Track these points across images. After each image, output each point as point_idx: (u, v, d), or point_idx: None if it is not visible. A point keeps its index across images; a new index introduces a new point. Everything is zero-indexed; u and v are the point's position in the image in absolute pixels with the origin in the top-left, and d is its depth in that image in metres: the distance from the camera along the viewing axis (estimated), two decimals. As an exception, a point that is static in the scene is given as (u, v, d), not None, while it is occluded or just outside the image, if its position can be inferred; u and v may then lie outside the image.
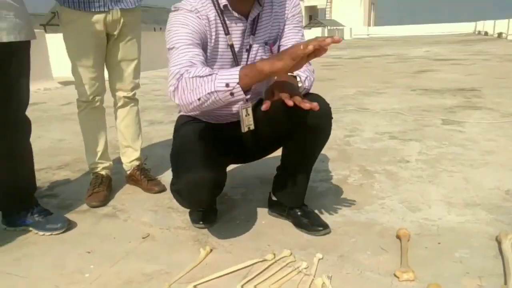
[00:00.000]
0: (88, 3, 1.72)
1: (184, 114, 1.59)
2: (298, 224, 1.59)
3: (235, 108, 1.51)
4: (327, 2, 38.01)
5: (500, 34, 18.71)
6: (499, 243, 1.40)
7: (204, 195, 1.37)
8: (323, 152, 1.62)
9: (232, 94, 1.11)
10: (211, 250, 1.46)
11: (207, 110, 1.27)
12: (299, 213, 1.61)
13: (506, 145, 2.56)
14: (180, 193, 1.39)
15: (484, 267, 1.30)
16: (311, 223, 1.57)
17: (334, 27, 27.55)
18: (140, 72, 2.00)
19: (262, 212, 1.75)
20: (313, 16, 37.75)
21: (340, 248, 1.45)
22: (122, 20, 1.81)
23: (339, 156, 2.50)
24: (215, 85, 1.12)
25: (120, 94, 1.97)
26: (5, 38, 1.41)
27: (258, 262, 1.37)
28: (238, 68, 1.12)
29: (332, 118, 1.46)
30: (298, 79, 1.36)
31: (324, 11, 38.49)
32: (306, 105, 1.14)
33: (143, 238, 1.59)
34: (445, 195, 1.86)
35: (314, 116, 1.35)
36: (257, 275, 1.30)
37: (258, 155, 1.72)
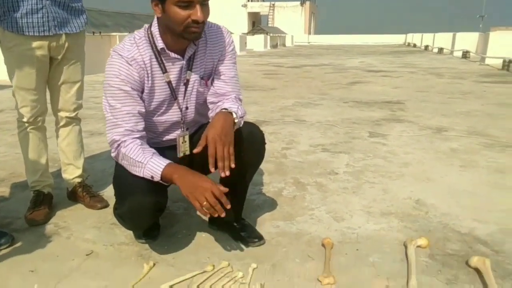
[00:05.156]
0: (32, 28, 1.73)
1: None
2: (236, 237, 1.74)
3: (173, 135, 1.64)
4: (269, 10, 38.90)
5: (426, 47, 20.33)
6: (406, 248, 1.65)
7: (146, 219, 1.50)
8: (261, 165, 1.79)
9: (152, 178, 1.40)
10: (154, 265, 1.56)
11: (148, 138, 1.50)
12: (237, 226, 1.76)
13: (420, 158, 2.90)
14: (123, 217, 1.50)
15: (392, 270, 1.53)
16: (247, 236, 1.72)
17: (277, 34, 28.23)
18: (83, 93, 2.03)
19: (203, 226, 1.88)
20: (256, 23, 38.41)
21: (273, 258, 1.62)
22: (66, 45, 1.84)
23: (275, 169, 2.69)
24: (143, 173, 1.41)
25: (62, 114, 1.99)
26: None
27: (198, 274, 1.50)
28: (164, 164, 1.39)
29: (265, 145, 1.64)
30: (234, 115, 1.48)
31: (267, 18, 39.31)
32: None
33: (86, 255, 1.65)
34: (366, 205, 2.11)
35: (248, 151, 1.55)
36: (197, 286, 1.43)
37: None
